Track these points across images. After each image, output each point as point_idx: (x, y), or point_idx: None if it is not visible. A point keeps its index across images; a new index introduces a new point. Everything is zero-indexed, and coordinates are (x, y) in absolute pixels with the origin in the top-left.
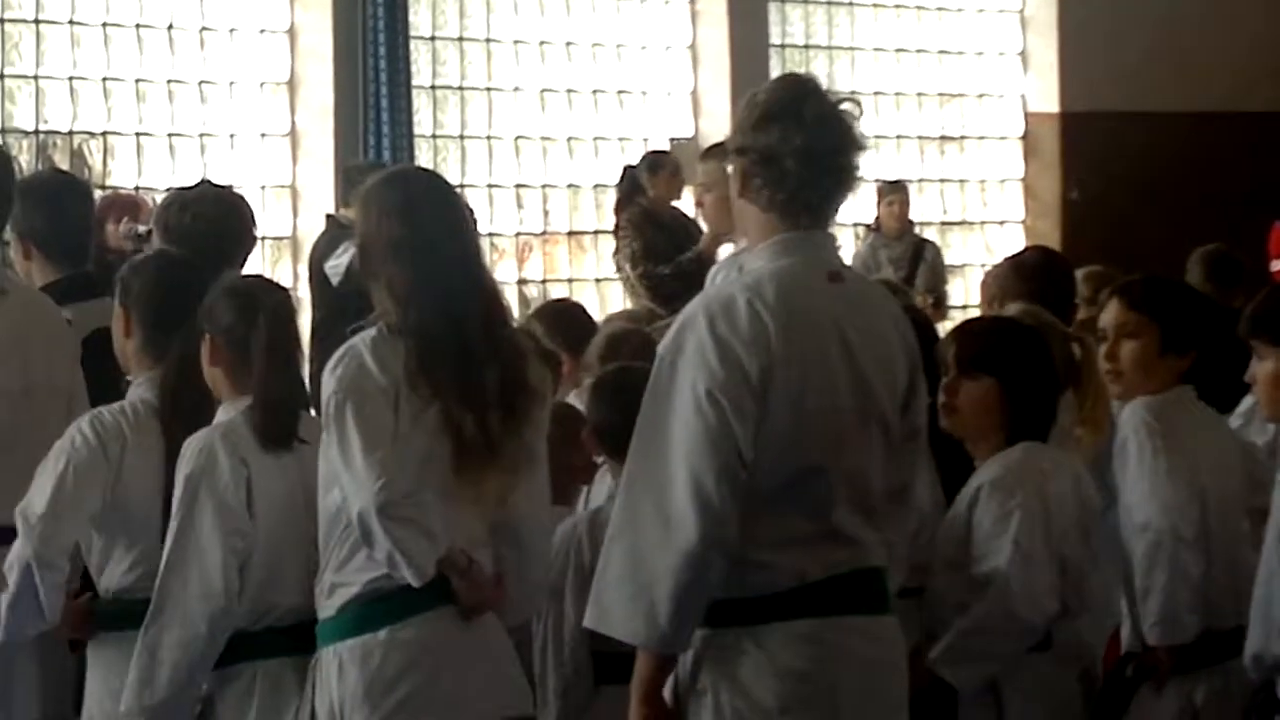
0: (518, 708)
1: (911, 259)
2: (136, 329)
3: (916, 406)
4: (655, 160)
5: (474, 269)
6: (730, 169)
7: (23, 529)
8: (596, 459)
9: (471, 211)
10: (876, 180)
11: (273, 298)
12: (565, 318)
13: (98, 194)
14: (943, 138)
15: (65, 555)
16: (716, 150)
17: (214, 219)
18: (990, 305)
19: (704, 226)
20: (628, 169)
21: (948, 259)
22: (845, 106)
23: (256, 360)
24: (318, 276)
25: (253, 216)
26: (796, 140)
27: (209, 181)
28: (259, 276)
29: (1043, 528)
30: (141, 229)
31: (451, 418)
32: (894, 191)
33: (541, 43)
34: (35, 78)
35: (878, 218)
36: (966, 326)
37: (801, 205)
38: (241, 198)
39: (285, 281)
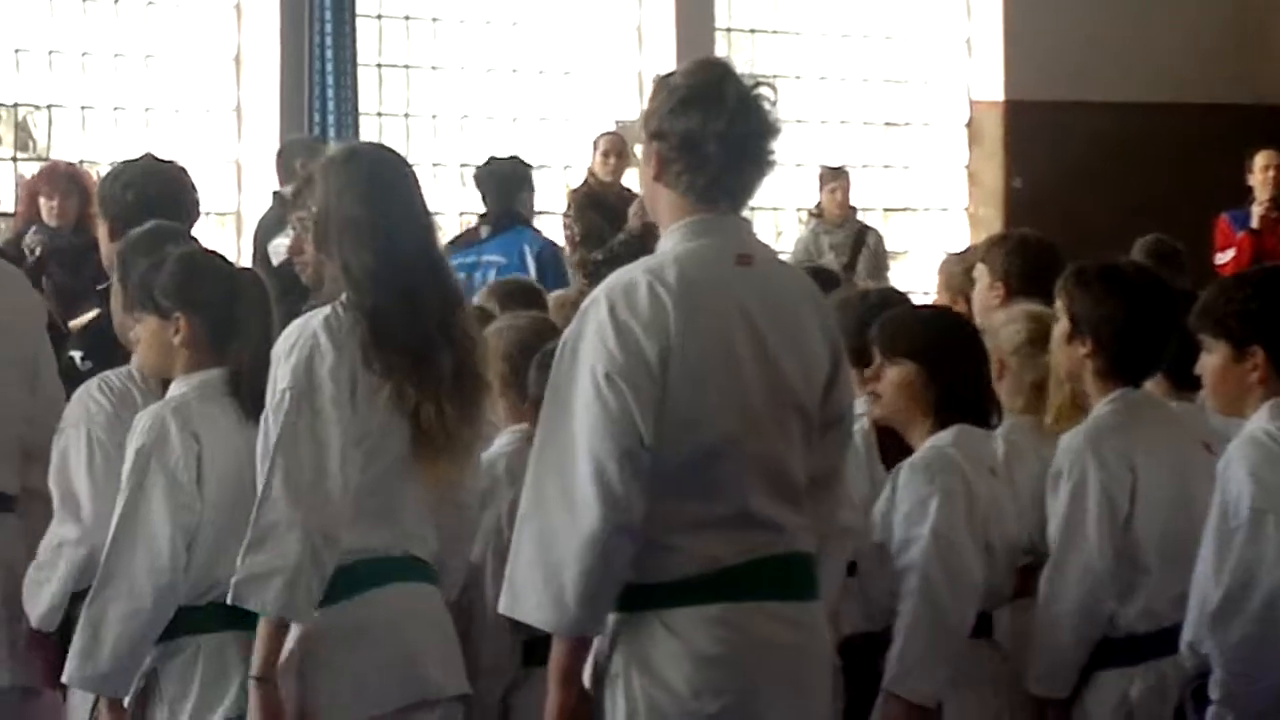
0: (456, 687)
1: (853, 245)
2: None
3: (839, 392)
4: (596, 142)
5: (431, 252)
6: (642, 153)
7: (69, 521)
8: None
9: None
10: (819, 165)
11: (247, 274)
12: (519, 297)
13: (38, 166)
14: (887, 123)
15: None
16: None
17: (151, 193)
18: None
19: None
20: None
21: (889, 245)
22: (762, 90)
23: (249, 335)
24: (260, 254)
25: (194, 187)
26: (718, 125)
27: (152, 155)
28: (208, 251)
29: (965, 511)
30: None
31: (406, 399)
32: (836, 177)
33: (487, 21)
34: None
35: (820, 203)
36: (889, 314)
37: (721, 190)
38: (182, 169)
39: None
